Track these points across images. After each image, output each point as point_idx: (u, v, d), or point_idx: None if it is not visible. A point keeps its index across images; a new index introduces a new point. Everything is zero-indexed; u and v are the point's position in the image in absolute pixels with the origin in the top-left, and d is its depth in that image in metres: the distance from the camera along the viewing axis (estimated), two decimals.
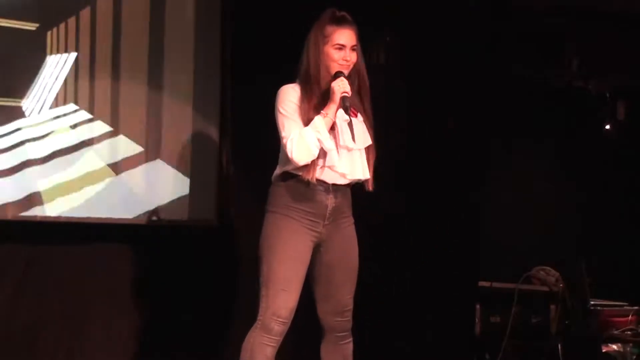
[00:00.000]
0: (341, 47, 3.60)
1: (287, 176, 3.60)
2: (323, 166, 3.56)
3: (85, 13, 4.61)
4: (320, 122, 3.51)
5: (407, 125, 5.43)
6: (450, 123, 5.33)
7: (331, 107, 3.53)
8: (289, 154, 3.49)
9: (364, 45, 5.30)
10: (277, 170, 3.63)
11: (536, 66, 5.60)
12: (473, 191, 5.49)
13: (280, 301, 3.52)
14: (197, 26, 4.92)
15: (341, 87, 3.53)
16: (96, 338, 4.65)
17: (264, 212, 3.64)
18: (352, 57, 3.62)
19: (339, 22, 3.62)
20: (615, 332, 4.64)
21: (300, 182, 3.57)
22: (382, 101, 5.11)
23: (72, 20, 4.57)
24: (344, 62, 3.60)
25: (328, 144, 3.52)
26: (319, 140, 3.49)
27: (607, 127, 5.57)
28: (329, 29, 3.60)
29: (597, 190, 5.55)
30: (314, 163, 3.52)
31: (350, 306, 3.70)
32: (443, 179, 5.42)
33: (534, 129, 5.56)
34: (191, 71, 4.89)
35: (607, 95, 5.60)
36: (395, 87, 5.43)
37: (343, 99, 3.53)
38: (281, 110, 3.55)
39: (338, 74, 3.58)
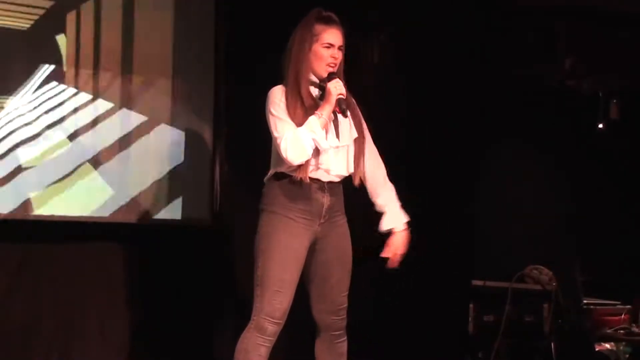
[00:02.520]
0: (330, 46, 3.60)
1: (281, 176, 3.60)
2: (316, 165, 3.57)
3: (71, 15, 4.60)
4: (315, 122, 3.51)
5: (401, 124, 5.43)
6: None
7: (326, 108, 3.54)
8: (283, 154, 3.49)
9: (358, 44, 5.33)
10: (271, 171, 3.64)
11: (529, 65, 5.61)
12: (467, 190, 5.49)
13: (274, 302, 3.52)
14: (191, 26, 4.92)
15: (338, 88, 3.54)
16: (90, 337, 4.66)
17: (259, 211, 3.63)
18: (340, 56, 3.63)
19: (327, 21, 3.63)
20: (609, 330, 4.65)
21: (294, 182, 3.57)
22: (376, 100, 5.14)
23: (60, 21, 4.57)
24: (332, 61, 3.61)
25: (324, 144, 3.53)
26: (314, 140, 3.50)
27: (600, 126, 5.57)
28: (318, 27, 3.61)
29: (591, 189, 5.55)
30: (307, 162, 3.53)
31: (345, 304, 3.70)
32: (437, 178, 5.43)
33: (527, 128, 5.55)
34: (185, 71, 4.89)
35: (600, 94, 5.60)
36: (389, 86, 5.43)
37: (339, 101, 3.54)
38: (272, 111, 3.55)
39: (332, 76, 3.58)
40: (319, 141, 3.51)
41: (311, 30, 3.60)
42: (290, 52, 3.62)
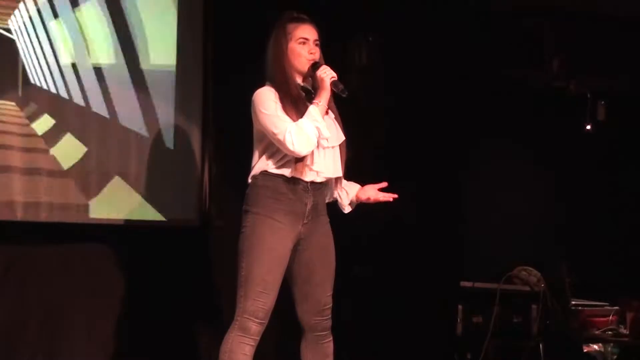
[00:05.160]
0: (305, 41, 3.63)
1: (265, 177, 3.59)
2: (309, 166, 3.57)
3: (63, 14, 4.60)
4: (315, 110, 3.53)
5: (389, 125, 5.43)
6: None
7: (323, 95, 3.56)
8: (289, 147, 3.48)
9: (346, 45, 5.32)
10: (255, 171, 3.63)
11: (517, 66, 5.62)
12: (454, 191, 5.50)
13: (257, 303, 3.52)
14: (179, 27, 4.91)
15: (328, 73, 3.57)
16: (76, 339, 4.63)
17: (242, 212, 3.62)
18: (317, 51, 3.65)
19: (299, 19, 3.66)
20: (596, 332, 4.67)
21: (279, 182, 3.57)
22: (365, 101, 5.15)
23: (53, 22, 4.55)
24: (310, 56, 3.62)
25: (325, 132, 3.55)
26: (317, 128, 3.52)
27: (588, 127, 5.58)
28: (290, 26, 3.64)
29: (579, 190, 5.57)
30: (303, 161, 3.54)
31: (330, 305, 3.70)
32: (424, 179, 5.43)
33: (515, 129, 5.57)
34: (173, 72, 4.88)
35: (588, 95, 5.62)
36: (376, 86, 5.43)
37: (334, 83, 3.56)
38: (264, 111, 3.54)
39: (316, 65, 3.60)
40: (322, 129, 3.54)
41: (284, 30, 3.63)
42: (270, 55, 3.64)
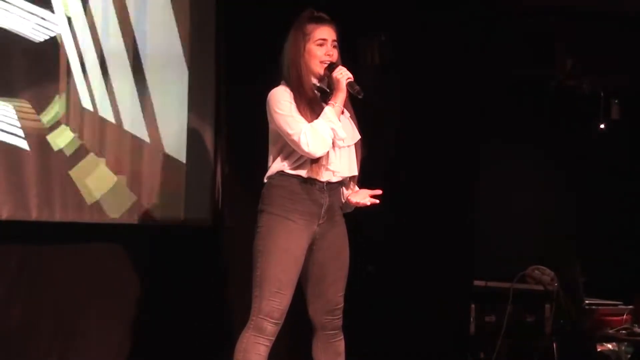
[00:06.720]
0: (323, 42, 3.62)
1: (282, 176, 3.60)
2: (325, 165, 3.57)
3: (78, 12, 4.60)
4: (330, 112, 3.54)
5: (401, 124, 5.43)
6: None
7: (339, 96, 3.57)
8: (304, 148, 3.49)
9: (359, 45, 5.33)
10: (271, 171, 3.63)
11: (529, 66, 5.61)
12: (467, 191, 5.49)
13: (273, 303, 3.53)
14: (192, 27, 4.91)
15: (344, 74, 3.57)
16: (89, 338, 4.64)
17: (258, 212, 3.62)
18: (334, 52, 3.64)
19: (318, 20, 3.65)
20: (610, 331, 4.66)
21: (295, 182, 3.57)
22: (377, 101, 5.14)
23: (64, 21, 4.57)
24: (327, 58, 3.62)
25: (341, 133, 3.56)
26: (332, 129, 3.52)
27: (602, 126, 5.57)
28: (309, 27, 3.63)
29: (592, 189, 5.56)
30: (319, 161, 3.54)
31: (341, 304, 3.70)
32: (437, 178, 5.42)
33: (528, 129, 5.56)
34: (186, 71, 4.89)
35: (602, 94, 5.61)
36: (389, 86, 5.43)
37: (350, 84, 3.56)
38: (279, 111, 3.55)
39: (333, 65, 3.60)
40: (338, 130, 3.54)
41: (303, 30, 3.62)
42: (287, 55, 3.64)
